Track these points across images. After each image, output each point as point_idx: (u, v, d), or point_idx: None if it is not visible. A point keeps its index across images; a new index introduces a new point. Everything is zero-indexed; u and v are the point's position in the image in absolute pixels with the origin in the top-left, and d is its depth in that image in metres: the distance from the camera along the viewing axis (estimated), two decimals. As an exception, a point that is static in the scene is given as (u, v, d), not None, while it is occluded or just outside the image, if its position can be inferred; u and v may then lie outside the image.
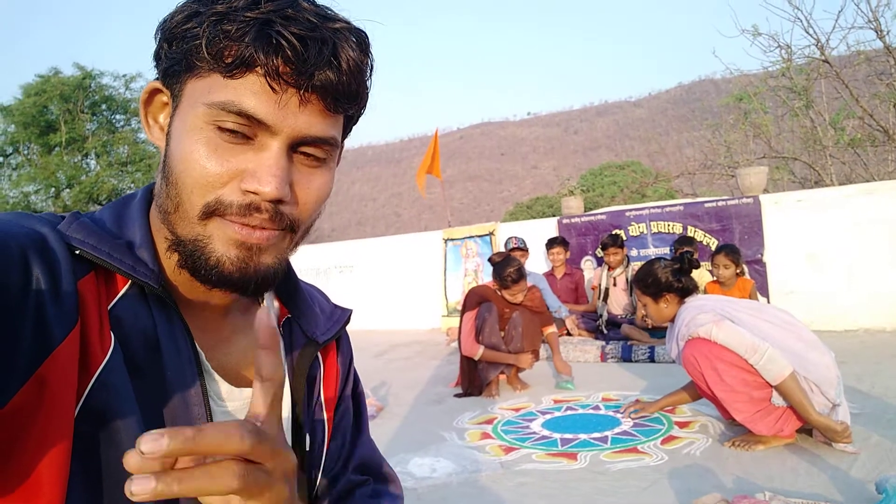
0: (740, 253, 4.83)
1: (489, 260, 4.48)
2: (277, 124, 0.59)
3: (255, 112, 0.58)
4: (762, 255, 5.82)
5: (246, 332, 0.77)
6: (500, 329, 4.21)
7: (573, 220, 7.02)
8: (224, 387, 0.70)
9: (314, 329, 0.81)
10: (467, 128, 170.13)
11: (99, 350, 0.59)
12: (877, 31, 9.86)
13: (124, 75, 19.67)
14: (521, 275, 4.11)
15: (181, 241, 0.62)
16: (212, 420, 0.66)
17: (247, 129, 0.59)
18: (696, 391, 3.05)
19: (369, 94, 0.67)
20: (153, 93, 0.66)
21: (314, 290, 0.90)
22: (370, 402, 3.86)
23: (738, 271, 4.68)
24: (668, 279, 2.97)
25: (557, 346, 4.35)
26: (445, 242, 7.88)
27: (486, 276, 7.39)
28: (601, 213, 7.00)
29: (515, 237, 6.17)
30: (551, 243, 6.37)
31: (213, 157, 0.59)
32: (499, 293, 4.23)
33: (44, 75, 18.62)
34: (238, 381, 0.73)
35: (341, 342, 0.89)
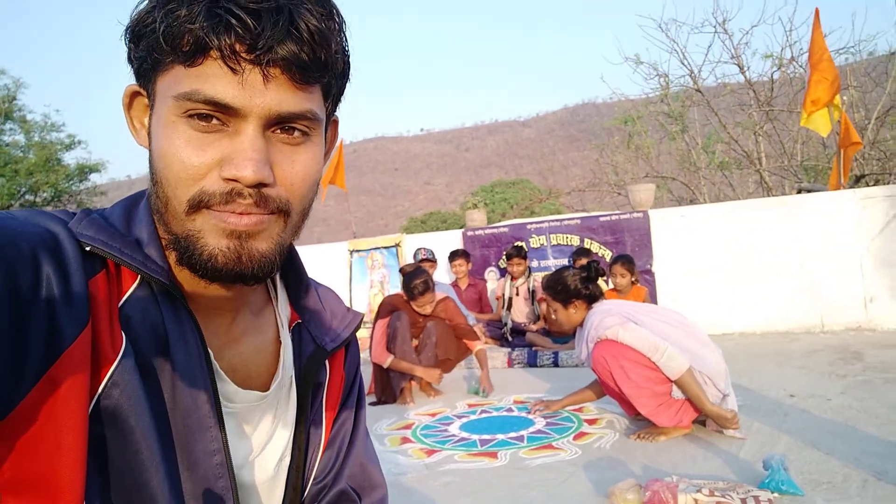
0: (635, 262, 5.21)
1: (400, 271, 4.53)
2: (245, 106, 0.57)
3: (221, 97, 0.56)
4: (651, 265, 6.30)
5: (255, 334, 0.75)
6: (413, 337, 4.27)
7: (477, 233, 7.25)
8: (231, 387, 0.70)
9: (323, 336, 0.80)
10: (361, 141, 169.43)
11: (110, 350, 0.58)
12: (739, 67, 11.01)
13: (-23, 66, 17.66)
14: (427, 287, 4.16)
15: (176, 238, 0.62)
16: (221, 419, 0.67)
17: (219, 114, 0.57)
18: (600, 389, 3.27)
19: (347, 58, 0.64)
20: (133, 95, 0.65)
21: (328, 292, 0.87)
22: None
23: (633, 279, 5.05)
24: (577, 286, 3.18)
25: (486, 362, 4.35)
26: (351, 254, 7.85)
27: (392, 288, 7.41)
28: (504, 226, 7.28)
29: (424, 248, 6.27)
30: (453, 256, 6.52)
31: (189, 149, 0.58)
32: (409, 304, 4.29)
33: None
34: (244, 382, 0.72)
35: (350, 348, 0.87)
